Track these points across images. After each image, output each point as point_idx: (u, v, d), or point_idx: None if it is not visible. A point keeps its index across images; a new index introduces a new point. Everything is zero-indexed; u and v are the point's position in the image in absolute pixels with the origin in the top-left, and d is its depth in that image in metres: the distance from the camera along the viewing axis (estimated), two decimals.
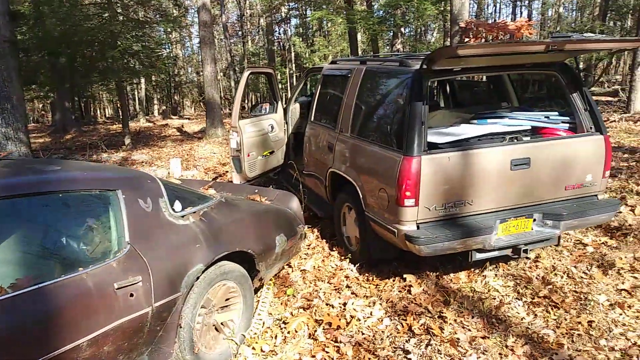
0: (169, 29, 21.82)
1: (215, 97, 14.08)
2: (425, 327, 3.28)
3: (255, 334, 3.34)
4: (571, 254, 4.23)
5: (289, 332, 3.35)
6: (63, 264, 2.26)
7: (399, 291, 3.84)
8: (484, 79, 6.05)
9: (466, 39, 8.17)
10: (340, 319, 3.45)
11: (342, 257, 4.44)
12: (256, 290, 3.67)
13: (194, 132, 16.32)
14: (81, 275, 2.23)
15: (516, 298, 3.60)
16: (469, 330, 3.22)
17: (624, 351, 2.90)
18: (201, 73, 15.73)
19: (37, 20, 13.80)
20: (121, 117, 14.81)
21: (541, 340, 3.05)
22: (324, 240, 4.95)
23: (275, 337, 3.32)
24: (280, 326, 3.47)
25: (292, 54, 27.46)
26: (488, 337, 3.12)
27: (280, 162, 6.30)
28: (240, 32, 32.18)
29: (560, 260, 4.13)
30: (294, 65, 28.02)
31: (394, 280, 4.00)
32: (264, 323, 3.48)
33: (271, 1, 24.10)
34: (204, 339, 2.95)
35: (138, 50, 14.88)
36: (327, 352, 3.09)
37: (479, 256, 3.64)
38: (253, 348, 3.17)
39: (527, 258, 4.13)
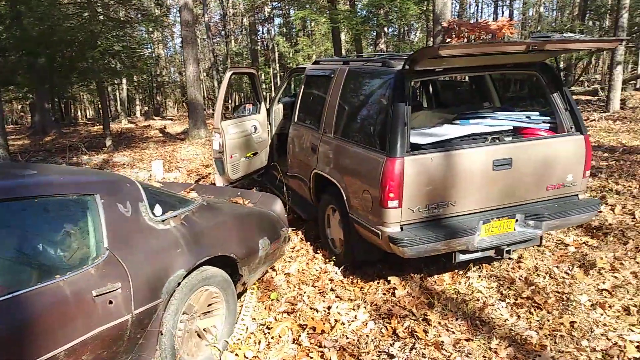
0: (150, 29, 21.57)
1: (198, 97, 13.95)
2: (410, 330, 3.27)
3: (239, 339, 3.29)
4: (553, 254, 4.27)
5: (272, 338, 3.31)
6: (39, 271, 2.19)
7: (384, 294, 3.82)
8: (467, 79, 6.08)
9: (448, 39, 8.24)
10: (324, 323, 3.42)
11: (327, 260, 4.41)
12: (239, 295, 3.62)
13: (176, 133, 16.13)
14: (58, 282, 2.17)
15: (499, 299, 3.61)
16: (453, 332, 3.22)
17: (605, 351, 2.92)
18: (184, 73, 15.53)
19: (15, 20, 13.49)
20: (102, 119, 14.57)
21: (524, 342, 3.06)
22: (309, 243, 4.91)
23: (259, 342, 3.27)
24: (264, 331, 3.42)
25: (276, 53, 27.35)
26: (472, 340, 3.12)
27: (264, 163, 6.23)
28: (223, 32, 31.97)
29: (542, 261, 4.16)
30: (277, 65, 27.91)
31: (378, 283, 3.98)
32: (247, 328, 3.44)
33: (254, 0, 24.02)
34: (186, 346, 2.90)
35: (119, 50, 14.67)
36: (311, 358, 3.06)
37: (462, 257, 3.65)
38: (236, 354, 3.12)
39: (509, 259, 4.16)
